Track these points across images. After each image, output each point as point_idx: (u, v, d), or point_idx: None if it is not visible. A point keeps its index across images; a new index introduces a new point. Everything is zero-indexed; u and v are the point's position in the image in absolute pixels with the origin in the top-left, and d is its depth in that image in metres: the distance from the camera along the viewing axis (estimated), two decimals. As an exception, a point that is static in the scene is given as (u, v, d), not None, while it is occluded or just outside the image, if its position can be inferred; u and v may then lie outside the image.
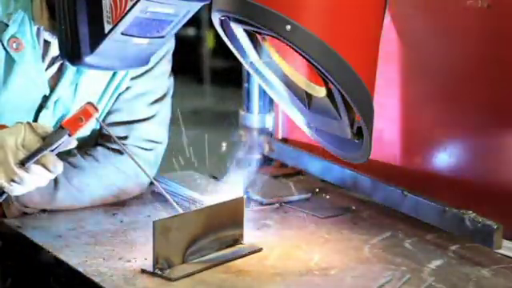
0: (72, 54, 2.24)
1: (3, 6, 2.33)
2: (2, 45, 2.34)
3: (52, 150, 2.18)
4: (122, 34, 2.18)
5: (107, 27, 2.17)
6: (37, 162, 2.18)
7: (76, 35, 2.21)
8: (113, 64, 2.29)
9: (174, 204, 2.24)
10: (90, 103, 2.19)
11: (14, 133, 2.19)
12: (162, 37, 2.25)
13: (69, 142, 2.20)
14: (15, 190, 2.23)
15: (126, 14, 2.14)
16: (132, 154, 2.48)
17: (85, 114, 2.18)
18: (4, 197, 2.24)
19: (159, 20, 2.20)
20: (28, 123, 2.21)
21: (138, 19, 2.16)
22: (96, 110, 2.19)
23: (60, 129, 2.18)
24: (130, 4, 2.12)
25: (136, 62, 2.33)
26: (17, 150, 2.18)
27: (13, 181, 2.19)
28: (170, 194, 2.33)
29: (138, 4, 2.12)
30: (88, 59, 2.22)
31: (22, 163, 2.17)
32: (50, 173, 2.20)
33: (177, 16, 2.21)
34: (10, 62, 2.36)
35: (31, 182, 2.21)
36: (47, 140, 2.18)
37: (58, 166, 2.20)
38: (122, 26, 2.16)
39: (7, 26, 2.34)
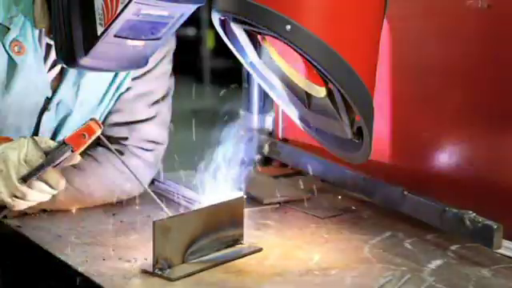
0: (67, 56, 2.23)
1: (5, 10, 2.32)
2: (4, 48, 2.34)
3: (55, 165, 2.18)
4: (115, 36, 2.16)
5: (100, 29, 2.15)
6: (39, 178, 2.18)
7: (70, 37, 2.19)
8: (109, 66, 2.27)
9: (165, 209, 2.23)
10: (93, 119, 2.19)
11: (17, 148, 2.19)
12: (158, 38, 2.24)
13: (72, 158, 2.20)
14: (17, 206, 2.23)
15: (118, 16, 2.12)
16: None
17: (88, 130, 2.17)
18: (4, 213, 2.24)
19: (153, 22, 2.18)
20: (32, 138, 2.21)
21: (131, 22, 2.14)
22: (100, 126, 2.18)
23: (63, 145, 2.17)
24: (120, 7, 2.11)
25: (133, 63, 2.31)
26: (19, 166, 2.18)
27: (15, 196, 2.20)
28: (170, 193, 2.32)
29: (129, 7, 2.10)
30: (83, 61, 2.20)
31: (24, 179, 2.18)
32: (52, 189, 2.21)
33: (172, 18, 2.19)
34: (12, 65, 2.36)
35: (33, 198, 2.22)
36: (50, 156, 2.18)
37: (61, 183, 2.21)
38: (114, 28, 2.14)
39: (9, 29, 2.33)
